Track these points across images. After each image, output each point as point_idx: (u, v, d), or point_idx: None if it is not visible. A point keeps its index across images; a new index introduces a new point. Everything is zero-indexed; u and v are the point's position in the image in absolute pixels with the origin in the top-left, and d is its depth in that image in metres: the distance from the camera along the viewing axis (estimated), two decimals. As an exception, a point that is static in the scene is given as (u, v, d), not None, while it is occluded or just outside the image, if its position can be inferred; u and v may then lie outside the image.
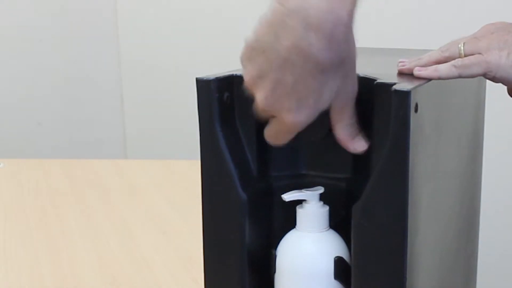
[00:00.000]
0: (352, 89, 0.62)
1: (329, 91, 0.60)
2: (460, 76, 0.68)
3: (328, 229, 0.68)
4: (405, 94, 0.59)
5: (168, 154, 1.99)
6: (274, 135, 0.64)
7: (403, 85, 0.61)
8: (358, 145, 0.64)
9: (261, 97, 0.60)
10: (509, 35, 0.69)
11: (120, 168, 1.62)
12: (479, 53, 0.68)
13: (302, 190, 0.67)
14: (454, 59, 0.69)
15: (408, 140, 0.60)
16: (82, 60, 2.21)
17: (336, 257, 0.66)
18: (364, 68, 0.65)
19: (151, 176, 1.52)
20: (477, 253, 0.91)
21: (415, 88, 0.61)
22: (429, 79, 0.66)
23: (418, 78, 0.67)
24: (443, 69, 0.68)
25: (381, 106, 0.62)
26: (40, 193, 1.43)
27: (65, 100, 2.22)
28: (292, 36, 0.57)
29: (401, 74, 0.69)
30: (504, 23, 0.71)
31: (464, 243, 0.85)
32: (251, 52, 0.60)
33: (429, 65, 0.68)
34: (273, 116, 0.62)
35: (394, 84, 0.61)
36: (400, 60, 0.71)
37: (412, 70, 0.68)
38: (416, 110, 0.60)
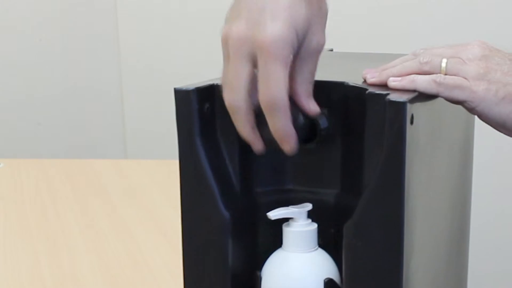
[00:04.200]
0: (322, 37, 0.60)
1: (303, 11, 0.58)
2: (437, 94, 0.63)
3: (316, 249, 0.64)
4: (401, 105, 0.56)
5: (168, 154, 1.99)
6: (266, 76, 0.57)
7: (397, 96, 0.57)
8: (313, 106, 0.61)
9: (236, 29, 0.58)
10: (499, 67, 0.64)
11: (120, 168, 1.61)
12: (465, 78, 0.63)
13: (289, 207, 0.63)
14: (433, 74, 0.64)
15: (404, 154, 0.56)
16: (82, 60, 2.21)
17: (326, 279, 0.62)
18: (348, 75, 0.62)
19: (151, 176, 1.51)
20: (467, 265, 0.89)
21: (410, 98, 0.57)
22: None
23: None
24: (422, 82, 0.63)
25: (374, 118, 0.58)
26: (40, 193, 1.42)
27: (65, 100, 2.22)
28: None
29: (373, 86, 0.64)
30: (489, 48, 0.65)
31: (455, 257, 0.82)
32: (229, 13, 0.61)
33: (404, 75, 0.63)
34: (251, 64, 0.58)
35: (388, 94, 0.58)
36: (366, 70, 0.66)
37: (384, 81, 0.63)
38: (412, 122, 0.57)
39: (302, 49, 0.59)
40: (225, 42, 0.59)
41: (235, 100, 0.59)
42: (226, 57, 0.60)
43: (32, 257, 1.11)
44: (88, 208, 1.33)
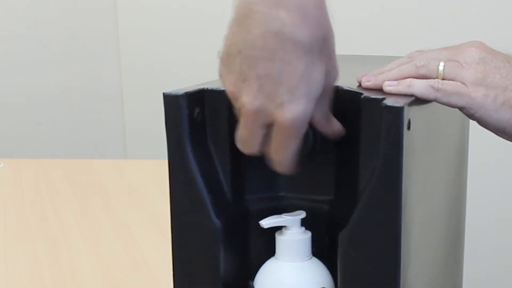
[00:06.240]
0: (336, 72, 0.57)
1: (319, 75, 0.55)
2: (435, 100, 0.62)
3: (310, 258, 0.62)
4: (398, 110, 0.54)
5: (168, 154, 1.99)
6: (278, 147, 0.57)
7: (394, 100, 0.55)
8: (336, 127, 0.59)
9: (249, 100, 0.54)
10: (497, 70, 0.62)
11: (120, 168, 1.61)
12: (462, 83, 0.62)
13: (282, 215, 0.61)
14: (430, 78, 0.62)
15: (402, 161, 0.54)
16: (82, 60, 2.21)
17: None
18: (342, 78, 0.59)
19: (151, 176, 1.51)
20: (462, 270, 0.88)
21: (407, 103, 0.55)
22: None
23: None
24: (419, 86, 0.61)
25: (369, 123, 0.57)
26: (40, 193, 1.42)
27: (65, 100, 2.22)
28: (262, 21, 0.53)
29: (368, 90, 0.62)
30: (487, 49, 0.64)
31: (450, 263, 0.81)
32: (227, 59, 0.56)
33: (400, 79, 0.62)
34: (266, 127, 0.56)
35: (384, 98, 0.56)
36: (361, 74, 0.64)
37: (379, 85, 0.62)
38: (409, 128, 0.55)
39: (323, 87, 0.57)
40: (235, 102, 0.57)
41: (250, 153, 0.59)
42: (239, 114, 0.58)
43: (32, 257, 1.12)
44: (88, 208, 1.33)
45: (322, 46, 0.55)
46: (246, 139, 0.58)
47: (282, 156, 0.58)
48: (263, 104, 0.54)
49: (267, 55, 0.53)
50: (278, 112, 0.54)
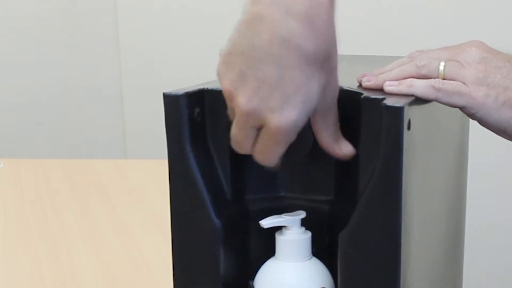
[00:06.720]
0: (336, 89, 0.57)
1: (317, 88, 0.54)
2: (436, 100, 0.62)
3: (310, 258, 0.62)
4: (398, 111, 0.54)
5: (168, 154, 1.98)
6: (263, 149, 0.57)
7: (394, 100, 0.55)
8: (347, 149, 0.59)
9: (243, 101, 0.54)
10: (498, 70, 0.63)
11: (120, 168, 1.61)
12: (463, 83, 0.62)
13: (282, 215, 0.61)
14: (430, 78, 0.63)
15: (402, 161, 0.54)
16: (82, 60, 2.21)
17: None
18: (342, 78, 0.59)
19: (151, 176, 1.51)
20: (462, 270, 0.88)
21: (407, 103, 0.56)
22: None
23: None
24: (420, 86, 0.61)
25: (369, 123, 0.57)
26: (40, 193, 1.42)
27: (65, 100, 2.22)
28: (271, 27, 0.53)
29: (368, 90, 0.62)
30: (487, 49, 0.64)
31: (450, 263, 0.81)
32: (228, 58, 0.56)
33: (401, 79, 0.62)
34: (258, 128, 0.56)
35: (384, 98, 0.56)
36: (362, 74, 0.64)
37: (380, 85, 0.62)
38: (409, 128, 0.55)
39: (323, 102, 0.57)
40: (230, 101, 0.57)
41: (243, 152, 0.59)
42: (233, 115, 0.58)
43: (32, 257, 1.12)
44: (88, 208, 1.33)
45: (325, 60, 0.55)
46: (238, 139, 0.58)
47: (266, 158, 0.58)
48: (257, 106, 0.54)
49: (270, 59, 0.53)
50: (270, 117, 0.54)
